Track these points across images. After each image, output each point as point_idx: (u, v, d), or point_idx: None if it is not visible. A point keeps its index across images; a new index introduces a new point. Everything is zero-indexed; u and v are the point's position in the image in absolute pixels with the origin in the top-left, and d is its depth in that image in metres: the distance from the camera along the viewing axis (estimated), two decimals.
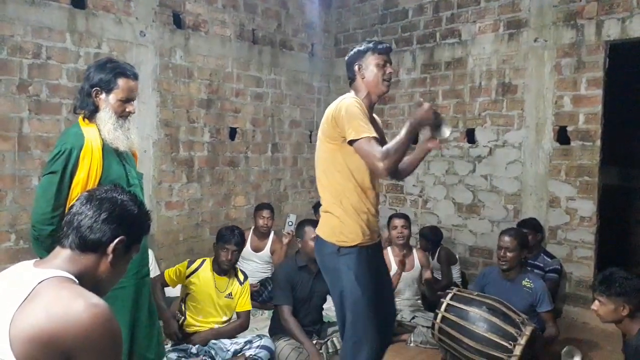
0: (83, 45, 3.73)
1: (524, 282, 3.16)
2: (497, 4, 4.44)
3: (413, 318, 3.56)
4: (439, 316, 2.95)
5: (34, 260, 1.24)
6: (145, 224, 1.35)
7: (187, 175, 4.47)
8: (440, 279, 4.20)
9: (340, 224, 2.20)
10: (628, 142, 5.59)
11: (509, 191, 4.39)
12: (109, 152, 2.06)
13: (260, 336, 3.08)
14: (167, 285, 3.12)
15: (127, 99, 2.09)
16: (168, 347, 3.01)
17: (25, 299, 1.07)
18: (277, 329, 3.18)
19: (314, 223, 3.14)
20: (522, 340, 2.69)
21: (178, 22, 4.34)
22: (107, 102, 2.05)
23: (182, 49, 4.36)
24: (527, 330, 2.73)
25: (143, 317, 2.16)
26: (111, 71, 2.06)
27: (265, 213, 4.27)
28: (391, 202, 5.18)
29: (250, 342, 3.00)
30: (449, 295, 3.00)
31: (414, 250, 3.84)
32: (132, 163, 2.21)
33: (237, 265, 3.34)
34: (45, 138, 3.57)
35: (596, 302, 2.40)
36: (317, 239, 2.32)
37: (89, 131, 2.03)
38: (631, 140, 5.63)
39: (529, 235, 3.57)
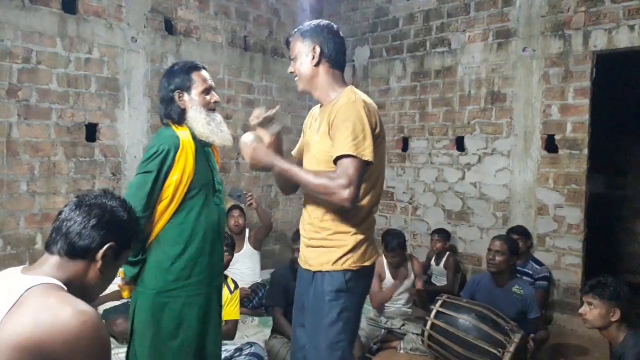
0: (74, 51, 3.71)
1: (514, 289, 3.17)
2: (486, 14, 4.49)
3: (403, 325, 3.56)
4: (429, 323, 2.96)
5: (21, 267, 1.23)
6: (135, 230, 1.34)
7: None
8: (438, 284, 4.24)
9: None
10: (614, 151, 5.67)
11: (498, 198, 4.43)
12: (200, 156, 2.04)
13: (250, 344, 3.03)
14: None
15: (208, 89, 2.08)
16: None
17: (13, 306, 1.06)
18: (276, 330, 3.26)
19: None
20: (511, 348, 2.71)
21: (170, 28, 4.34)
22: (192, 99, 2.04)
23: (174, 55, 4.35)
24: (516, 338, 2.75)
25: (214, 324, 2.14)
26: (181, 70, 2.07)
27: (235, 212, 4.15)
28: (382, 209, 5.19)
29: (240, 349, 2.96)
30: (439, 302, 3.01)
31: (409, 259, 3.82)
32: (216, 168, 2.19)
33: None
34: (35, 143, 3.54)
35: (585, 305, 2.35)
36: None
37: (182, 133, 2.01)
38: (617, 149, 5.72)
39: (519, 242, 3.60)
